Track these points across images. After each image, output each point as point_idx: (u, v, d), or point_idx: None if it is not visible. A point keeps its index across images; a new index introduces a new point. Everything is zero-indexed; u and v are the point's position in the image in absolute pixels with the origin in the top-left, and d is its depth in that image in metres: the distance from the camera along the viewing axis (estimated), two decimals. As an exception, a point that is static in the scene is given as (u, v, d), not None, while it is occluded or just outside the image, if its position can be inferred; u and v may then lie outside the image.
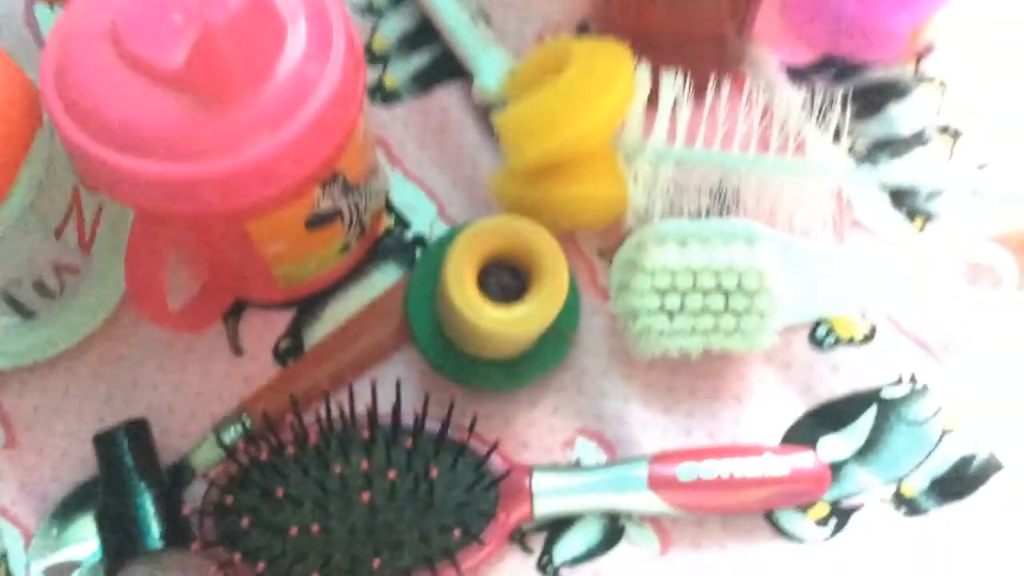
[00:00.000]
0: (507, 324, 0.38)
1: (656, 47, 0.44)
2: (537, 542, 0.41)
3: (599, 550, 0.41)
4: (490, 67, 0.48)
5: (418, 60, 0.50)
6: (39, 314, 0.41)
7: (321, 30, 0.36)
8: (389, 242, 0.47)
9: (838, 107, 0.43)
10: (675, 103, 0.43)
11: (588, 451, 0.43)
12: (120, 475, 0.40)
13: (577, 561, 0.41)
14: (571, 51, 0.42)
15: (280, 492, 0.37)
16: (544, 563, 0.41)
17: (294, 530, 0.37)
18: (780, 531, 0.41)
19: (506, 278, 0.40)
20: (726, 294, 0.41)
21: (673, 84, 0.43)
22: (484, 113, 0.49)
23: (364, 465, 0.38)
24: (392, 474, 0.38)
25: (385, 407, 0.39)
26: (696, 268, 0.41)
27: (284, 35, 0.35)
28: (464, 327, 0.39)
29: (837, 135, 0.44)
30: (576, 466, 0.42)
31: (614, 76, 0.41)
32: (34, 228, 0.38)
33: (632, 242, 0.43)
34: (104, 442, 0.41)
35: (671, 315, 0.41)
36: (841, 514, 0.42)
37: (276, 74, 0.35)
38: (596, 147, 0.42)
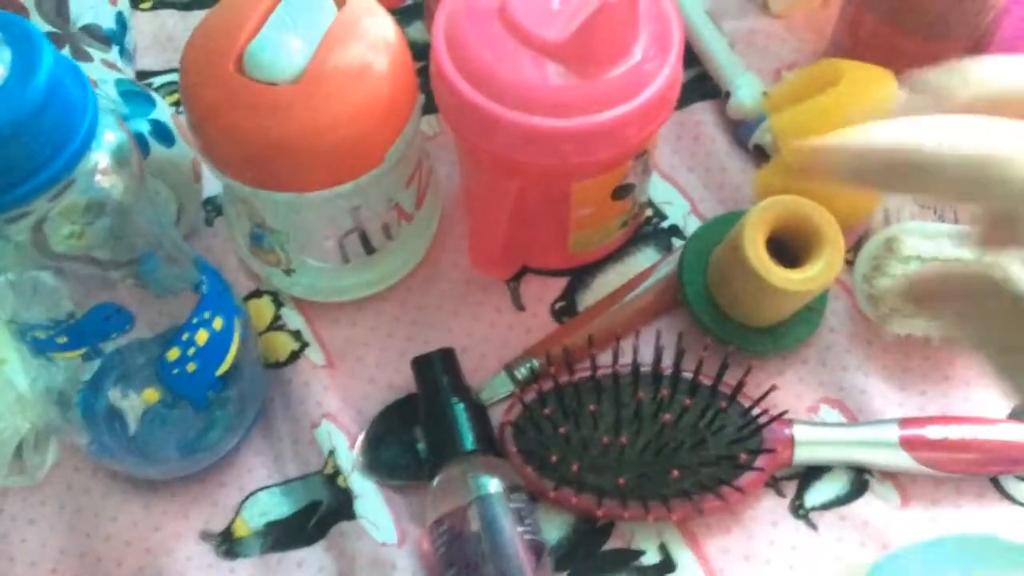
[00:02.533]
0: (794, 283, 0.44)
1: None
2: (789, 488, 0.47)
3: (846, 499, 0.46)
4: (746, 88, 0.55)
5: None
6: (377, 253, 0.48)
7: (662, 36, 0.43)
8: (648, 230, 0.54)
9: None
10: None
11: (831, 417, 0.49)
12: (437, 391, 0.47)
13: (826, 507, 0.46)
14: (843, 69, 0.49)
15: (593, 408, 0.44)
16: (796, 506, 0.46)
17: (606, 439, 0.43)
18: (1006, 495, 0.46)
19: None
20: (969, 284, 0.47)
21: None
22: (734, 127, 0.57)
23: (664, 392, 0.44)
24: (688, 401, 0.44)
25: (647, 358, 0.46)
26: (944, 259, 0.47)
27: (639, 33, 0.43)
28: (749, 287, 0.45)
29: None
30: (831, 423, 0.48)
31: (882, 91, 0.48)
32: (398, 174, 0.46)
33: (880, 238, 0.49)
34: (422, 364, 0.48)
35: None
36: (1063, 489, 0.47)
37: (629, 60, 0.42)
38: (858, 151, 0.49)
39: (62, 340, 0.36)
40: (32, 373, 0.42)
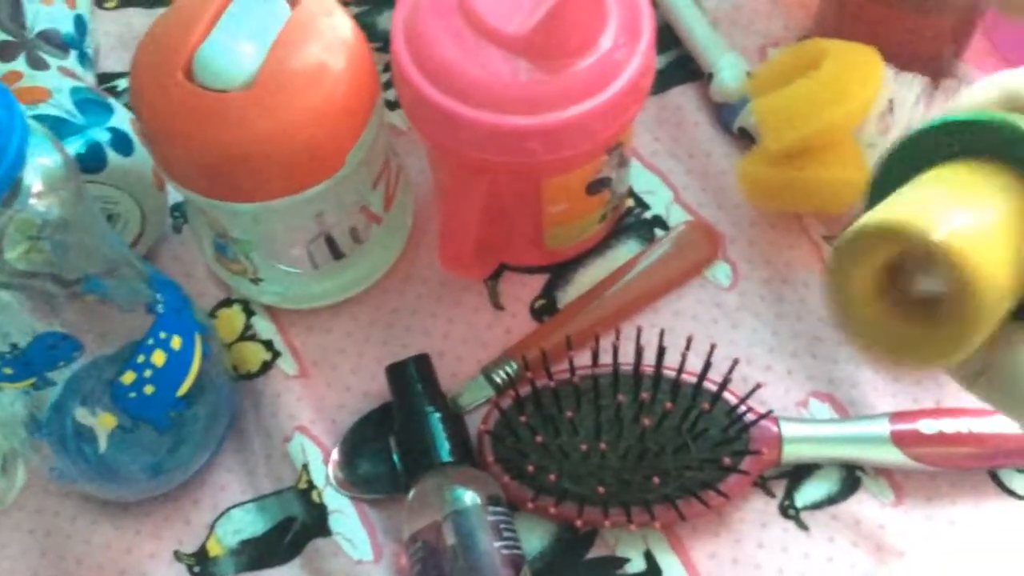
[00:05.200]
0: None
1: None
2: (778, 487, 0.45)
3: (838, 497, 0.45)
4: (729, 69, 0.53)
5: (658, 63, 0.56)
6: (346, 258, 0.47)
7: (632, 22, 0.42)
8: (630, 220, 0.53)
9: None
10: (908, 104, 0.48)
11: (821, 411, 0.47)
12: (411, 400, 0.45)
13: (817, 506, 0.45)
14: (827, 50, 0.47)
15: (570, 414, 0.42)
16: (785, 506, 0.45)
17: (584, 446, 0.42)
18: (1005, 489, 0.45)
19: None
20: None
21: (911, 87, 0.48)
22: (717, 111, 0.55)
23: (645, 395, 0.42)
24: (669, 404, 0.42)
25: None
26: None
27: (607, 20, 0.41)
28: None
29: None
30: (820, 419, 0.46)
31: (868, 73, 0.46)
32: (362, 176, 0.44)
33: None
34: (396, 371, 0.46)
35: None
36: (1063, 480, 0.45)
37: (596, 51, 0.41)
38: (844, 136, 0.47)
39: (8, 371, 0.35)
40: (-11, 400, 0.41)
